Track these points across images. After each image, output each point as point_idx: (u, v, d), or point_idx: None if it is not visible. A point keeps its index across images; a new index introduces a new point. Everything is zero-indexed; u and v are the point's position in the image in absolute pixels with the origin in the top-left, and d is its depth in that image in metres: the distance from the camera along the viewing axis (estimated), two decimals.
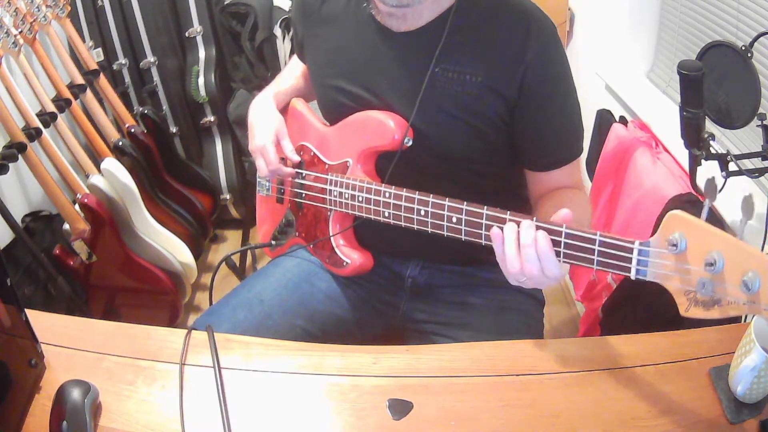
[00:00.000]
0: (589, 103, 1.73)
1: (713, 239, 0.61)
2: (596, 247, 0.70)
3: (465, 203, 0.83)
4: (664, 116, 1.45)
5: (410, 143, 0.95)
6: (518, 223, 0.76)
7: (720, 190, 1.01)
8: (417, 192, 0.88)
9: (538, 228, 0.74)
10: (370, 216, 0.96)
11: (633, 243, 0.68)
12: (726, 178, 1.00)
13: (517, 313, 1.08)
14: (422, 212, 0.87)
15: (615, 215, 1.51)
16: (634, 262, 0.68)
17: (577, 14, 1.95)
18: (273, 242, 1.21)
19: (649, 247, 0.66)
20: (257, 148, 1.07)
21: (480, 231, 0.81)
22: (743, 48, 0.94)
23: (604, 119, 1.63)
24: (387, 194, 0.92)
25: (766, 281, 0.58)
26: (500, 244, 0.77)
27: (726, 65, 0.98)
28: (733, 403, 0.75)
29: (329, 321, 1.09)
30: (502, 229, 0.77)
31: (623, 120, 1.55)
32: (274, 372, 0.83)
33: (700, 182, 1.13)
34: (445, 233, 0.86)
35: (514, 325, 1.05)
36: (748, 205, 0.67)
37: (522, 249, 0.75)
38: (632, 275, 0.68)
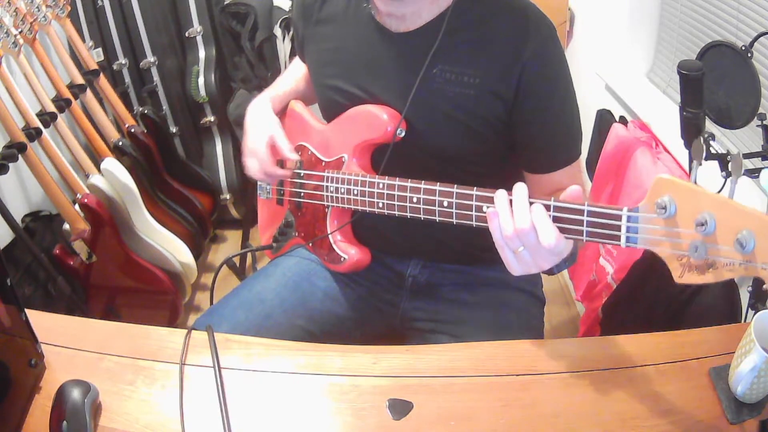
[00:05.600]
0: (589, 103, 1.73)
1: (703, 199, 0.60)
2: (585, 218, 0.70)
3: (455, 186, 0.83)
4: (664, 116, 1.45)
5: (403, 134, 0.95)
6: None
7: (720, 190, 1.01)
8: (410, 180, 0.88)
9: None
10: (365, 208, 0.96)
11: (621, 210, 0.67)
12: (726, 178, 1.00)
13: (516, 312, 1.08)
14: (414, 199, 0.88)
15: None
16: (623, 229, 0.67)
17: (577, 14, 1.95)
18: (274, 245, 1.21)
19: (638, 213, 0.65)
20: (250, 151, 1.07)
21: (471, 213, 0.82)
22: (743, 48, 0.94)
23: (604, 119, 1.63)
24: (380, 185, 0.92)
25: (761, 239, 0.56)
26: (495, 217, 0.75)
27: (726, 65, 0.98)
28: (733, 403, 0.75)
29: (329, 320, 1.09)
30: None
31: (623, 120, 1.55)
32: (274, 372, 0.83)
33: (700, 182, 1.13)
34: (437, 218, 0.86)
35: (513, 324, 1.05)
36: (736, 162, 0.66)
37: (514, 210, 0.72)
38: (622, 243, 0.67)
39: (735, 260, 0.58)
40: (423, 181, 0.87)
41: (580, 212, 0.70)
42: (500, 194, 0.75)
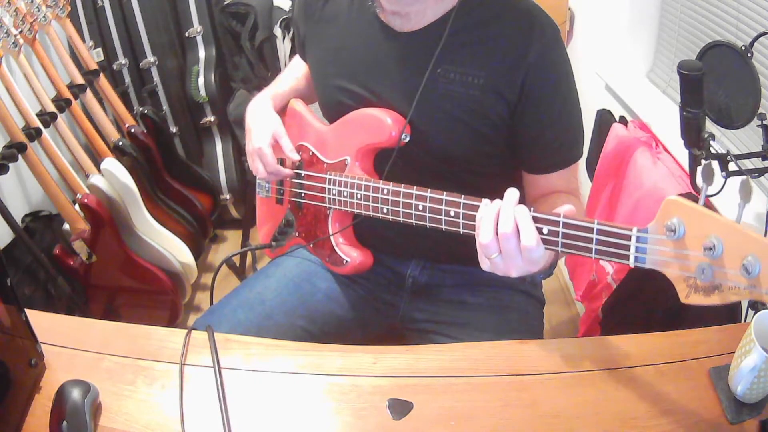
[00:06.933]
0: (589, 103, 1.73)
1: (711, 224, 0.61)
2: (594, 236, 0.70)
3: (462, 197, 0.83)
4: (664, 116, 1.45)
5: (407, 139, 0.95)
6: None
7: (720, 190, 1.01)
8: (415, 187, 0.88)
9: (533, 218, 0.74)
10: (369, 213, 0.96)
11: (631, 230, 0.67)
12: (726, 178, 1.00)
13: (517, 312, 1.08)
14: (420, 207, 0.88)
15: (615, 215, 1.51)
16: (632, 249, 0.67)
17: (577, 14, 1.95)
18: (273, 243, 1.21)
19: (647, 234, 0.66)
20: (254, 151, 1.07)
21: None
22: (743, 48, 0.94)
23: (604, 119, 1.63)
24: (385, 191, 0.92)
25: (766, 265, 0.57)
26: (478, 219, 0.77)
27: (726, 65, 0.98)
28: (733, 403, 0.74)
29: (330, 321, 1.09)
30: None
31: (623, 120, 1.55)
32: (274, 372, 0.83)
33: (700, 182, 1.13)
34: (444, 227, 0.86)
35: (514, 325, 1.05)
36: (745, 188, 0.66)
37: (500, 213, 0.74)
38: (631, 263, 0.68)
39: (740, 284, 0.59)
40: (429, 189, 0.86)
41: (590, 230, 0.70)
42: (487, 203, 0.77)
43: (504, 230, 0.73)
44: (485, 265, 0.78)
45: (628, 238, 0.67)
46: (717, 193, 1.01)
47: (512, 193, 0.75)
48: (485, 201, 0.79)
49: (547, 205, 0.93)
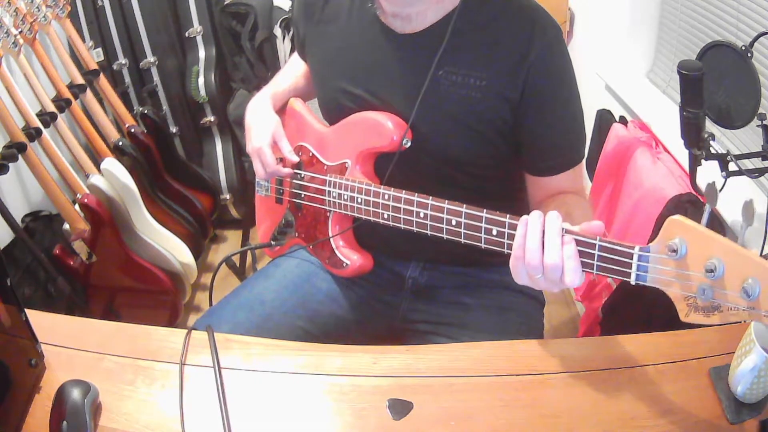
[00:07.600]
0: (589, 103, 1.73)
1: (713, 245, 0.61)
2: (596, 252, 0.70)
3: (464, 206, 0.82)
4: (664, 116, 1.46)
5: (409, 144, 0.94)
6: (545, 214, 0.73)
7: (720, 190, 1.01)
8: (416, 194, 0.88)
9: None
10: (369, 218, 0.96)
11: (633, 248, 0.67)
12: (726, 178, 1.00)
13: (517, 313, 1.08)
14: (421, 214, 0.87)
15: (615, 215, 1.51)
16: (634, 267, 0.68)
17: (577, 14, 1.96)
18: (273, 242, 1.21)
19: (649, 253, 0.66)
20: (254, 150, 1.07)
21: (479, 234, 0.81)
22: (743, 48, 0.94)
23: (604, 119, 1.64)
24: (386, 196, 0.92)
25: (766, 288, 0.58)
26: (522, 236, 0.74)
27: (726, 65, 0.98)
28: (733, 403, 0.75)
29: (330, 321, 1.09)
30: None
31: (623, 120, 1.55)
32: (274, 372, 0.83)
33: (700, 182, 1.13)
34: (445, 236, 0.86)
35: (514, 326, 1.05)
36: (748, 210, 0.67)
37: (547, 240, 0.72)
38: (632, 280, 0.68)
39: (740, 306, 0.60)
40: (431, 197, 0.86)
41: (592, 246, 0.70)
42: (533, 222, 0.74)
43: (553, 261, 0.71)
44: (521, 277, 0.76)
45: (630, 256, 0.68)
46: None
47: (555, 219, 0.72)
48: (525, 218, 0.75)
49: (555, 205, 0.92)
